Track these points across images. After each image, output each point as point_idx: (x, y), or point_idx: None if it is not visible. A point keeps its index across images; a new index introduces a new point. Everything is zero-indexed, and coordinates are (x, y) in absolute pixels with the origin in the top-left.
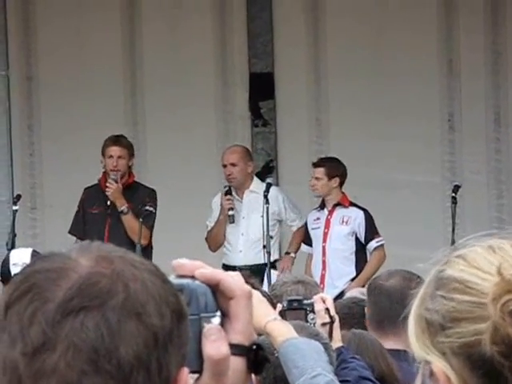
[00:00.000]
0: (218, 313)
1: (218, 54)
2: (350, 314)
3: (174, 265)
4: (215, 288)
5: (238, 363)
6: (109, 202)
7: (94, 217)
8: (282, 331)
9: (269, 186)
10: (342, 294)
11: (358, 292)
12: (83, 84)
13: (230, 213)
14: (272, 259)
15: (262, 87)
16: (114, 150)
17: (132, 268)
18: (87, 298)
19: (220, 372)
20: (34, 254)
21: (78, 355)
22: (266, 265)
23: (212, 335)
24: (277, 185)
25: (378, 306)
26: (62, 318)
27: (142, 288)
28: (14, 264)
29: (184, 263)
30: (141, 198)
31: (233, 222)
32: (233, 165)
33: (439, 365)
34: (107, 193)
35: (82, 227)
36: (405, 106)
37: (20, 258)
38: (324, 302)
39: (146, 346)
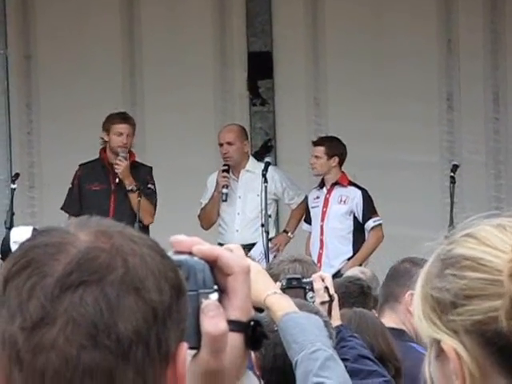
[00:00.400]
0: (216, 288)
1: (217, 33)
2: (347, 293)
3: (172, 241)
4: (213, 264)
5: (235, 339)
6: (117, 180)
7: (95, 193)
8: (281, 305)
9: (267, 164)
10: (338, 273)
11: (358, 271)
12: (82, 63)
13: (224, 190)
14: (270, 237)
15: (260, 66)
16: (123, 128)
17: (131, 243)
18: (86, 273)
19: (218, 348)
20: (35, 231)
21: (77, 330)
22: (263, 243)
23: (210, 311)
24: (275, 164)
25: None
26: (60, 292)
27: (141, 263)
28: (14, 242)
29: (182, 239)
30: (142, 176)
31: (225, 200)
32: (229, 143)
33: (450, 343)
34: (117, 170)
35: (78, 204)
36: (403, 86)
37: (21, 236)
38: (323, 280)
39: (145, 321)
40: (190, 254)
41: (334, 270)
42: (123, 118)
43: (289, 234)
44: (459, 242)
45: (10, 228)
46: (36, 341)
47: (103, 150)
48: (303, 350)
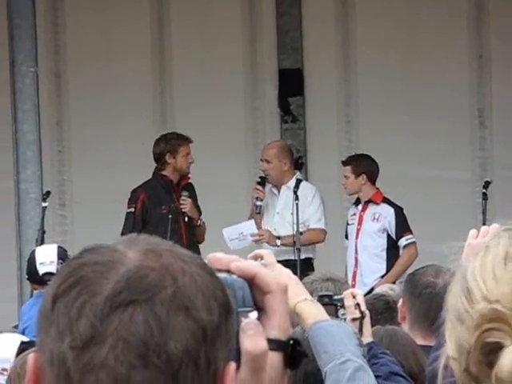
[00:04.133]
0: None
1: (248, 50)
2: (373, 310)
3: (210, 259)
4: (251, 281)
5: (274, 358)
6: (186, 219)
7: (162, 216)
8: (312, 313)
9: (299, 181)
10: (371, 291)
11: (387, 287)
12: (112, 81)
13: (258, 203)
14: (304, 256)
15: (291, 83)
16: (189, 148)
17: (180, 261)
18: (136, 292)
19: (258, 367)
20: (60, 250)
21: (127, 349)
22: (296, 261)
23: (250, 330)
24: (306, 180)
25: (433, 305)
26: (110, 311)
27: (190, 282)
28: (41, 263)
29: (220, 257)
30: (195, 194)
31: (259, 212)
32: (267, 161)
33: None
34: (184, 209)
35: (141, 228)
36: (434, 103)
37: (46, 257)
38: (354, 297)
39: (195, 341)
40: (228, 271)
41: (367, 288)
42: (187, 138)
43: (278, 242)
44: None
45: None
46: (86, 360)
47: (159, 170)
48: (333, 360)
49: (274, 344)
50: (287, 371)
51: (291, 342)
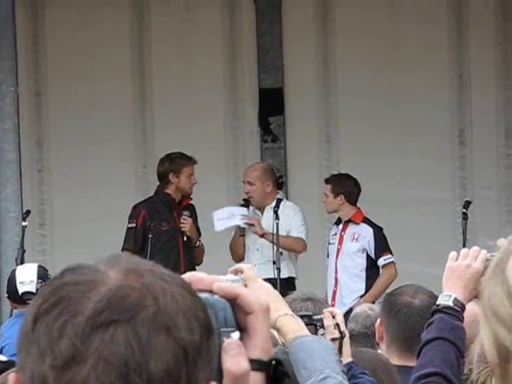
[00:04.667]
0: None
1: (228, 69)
2: (354, 331)
3: (192, 279)
4: (233, 302)
5: (257, 379)
6: (185, 238)
7: (163, 233)
8: (292, 328)
9: (279, 201)
10: (350, 311)
11: (366, 307)
12: (92, 101)
13: (242, 225)
14: (286, 275)
15: (271, 103)
16: (193, 169)
17: (161, 281)
18: (117, 312)
19: None
20: (40, 269)
21: (108, 369)
22: (276, 280)
23: (232, 350)
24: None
25: (409, 325)
26: (91, 331)
27: (171, 302)
28: (20, 282)
29: (202, 277)
30: (195, 215)
31: (243, 235)
32: (249, 183)
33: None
34: (183, 228)
35: (142, 244)
36: (415, 122)
37: (26, 276)
38: (334, 317)
39: (176, 361)
40: (211, 292)
41: (345, 308)
42: (191, 158)
43: (261, 232)
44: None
45: (20, 265)
46: (67, 380)
47: (162, 188)
48: (312, 376)
49: (256, 364)
50: None
51: (273, 362)
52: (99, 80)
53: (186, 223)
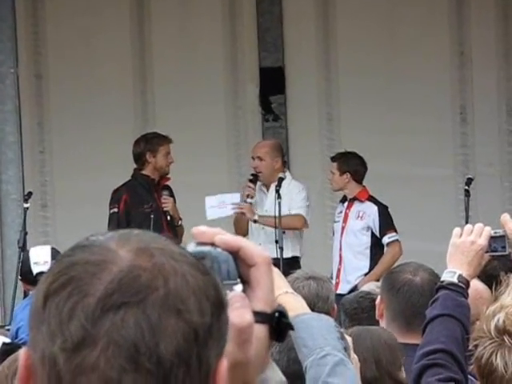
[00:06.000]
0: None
1: (228, 49)
2: (359, 308)
3: (194, 232)
4: (235, 255)
5: (260, 331)
6: (168, 218)
7: (145, 215)
8: (293, 306)
9: (280, 180)
10: (355, 289)
11: (374, 285)
12: (93, 82)
13: (248, 200)
14: (290, 255)
15: (272, 82)
16: (169, 147)
17: (172, 261)
18: (128, 294)
19: (244, 340)
20: (54, 251)
21: (118, 352)
22: (278, 259)
23: (236, 303)
24: None
25: (409, 303)
26: (102, 313)
27: (182, 282)
28: (35, 263)
29: (204, 230)
30: (173, 197)
31: None
32: (259, 158)
33: None
34: (165, 208)
35: (126, 228)
36: (416, 100)
37: (40, 257)
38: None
39: (187, 343)
40: (213, 244)
41: (350, 286)
42: (166, 137)
43: (255, 217)
44: None
45: (23, 247)
46: (77, 362)
47: (139, 169)
48: (312, 354)
49: (260, 316)
50: (273, 343)
51: (277, 314)
52: (100, 62)
53: (167, 202)
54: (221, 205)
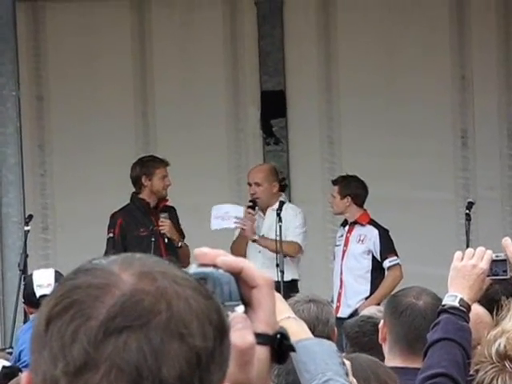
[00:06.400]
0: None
1: (230, 72)
2: (360, 332)
3: (197, 253)
4: (237, 276)
5: (262, 353)
6: (166, 240)
7: (142, 239)
8: (295, 330)
9: (281, 204)
10: (355, 313)
11: (375, 309)
12: (94, 104)
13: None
14: (290, 278)
15: (273, 105)
16: (165, 171)
17: (175, 285)
18: (130, 317)
19: (246, 361)
20: (57, 274)
21: (120, 376)
22: (279, 283)
23: (237, 324)
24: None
25: (412, 326)
26: (104, 337)
27: (185, 307)
28: (38, 285)
29: (206, 252)
30: (175, 218)
31: None
32: (257, 184)
33: None
34: (162, 230)
35: (122, 252)
36: (417, 124)
37: (43, 279)
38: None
39: (189, 367)
40: (215, 266)
41: (350, 310)
42: (163, 160)
43: (255, 237)
44: None
45: (23, 270)
46: None
47: (136, 193)
48: (314, 379)
49: (262, 338)
50: (274, 365)
51: (278, 336)
52: (101, 84)
53: (164, 225)
54: (225, 215)
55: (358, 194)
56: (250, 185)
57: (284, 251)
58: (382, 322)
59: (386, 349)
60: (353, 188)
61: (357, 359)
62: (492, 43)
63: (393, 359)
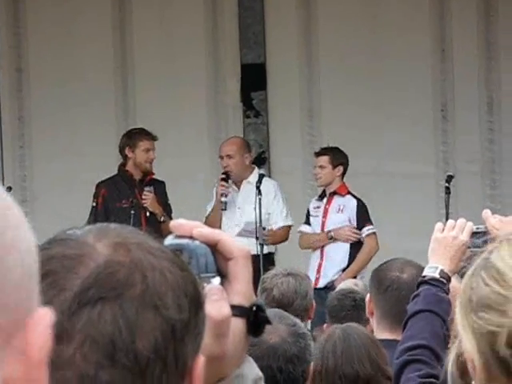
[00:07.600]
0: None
1: (210, 44)
2: (338, 306)
3: (173, 225)
4: (213, 248)
5: (237, 325)
6: (147, 214)
7: (123, 211)
8: None
9: (261, 176)
10: (332, 285)
11: (351, 283)
12: (73, 77)
13: (223, 199)
14: (266, 251)
15: (253, 78)
16: (150, 144)
17: (150, 256)
18: (105, 289)
19: (221, 333)
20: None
21: (94, 348)
22: (258, 256)
23: (213, 295)
24: (269, 176)
25: (398, 300)
26: (78, 308)
27: (160, 278)
28: None
29: (183, 223)
30: (161, 192)
31: (224, 209)
32: (229, 157)
33: (468, 345)
34: (144, 204)
35: (104, 222)
36: (397, 97)
37: None
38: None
39: (164, 339)
40: (191, 237)
41: (327, 281)
42: (148, 134)
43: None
44: (499, 249)
45: None
46: (52, 358)
47: (122, 165)
48: None
49: (237, 310)
50: (250, 337)
51: (254, 308)
52: (80, 56)
53: (146, 198)
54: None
55: (346, 164)
56: (221, 158)
57: (278, 241)
58: (367, 296)
59: (373, 322)
60: (342, 157)
61: (352, 335)
62: (472, 16)
63: (381, 332)
